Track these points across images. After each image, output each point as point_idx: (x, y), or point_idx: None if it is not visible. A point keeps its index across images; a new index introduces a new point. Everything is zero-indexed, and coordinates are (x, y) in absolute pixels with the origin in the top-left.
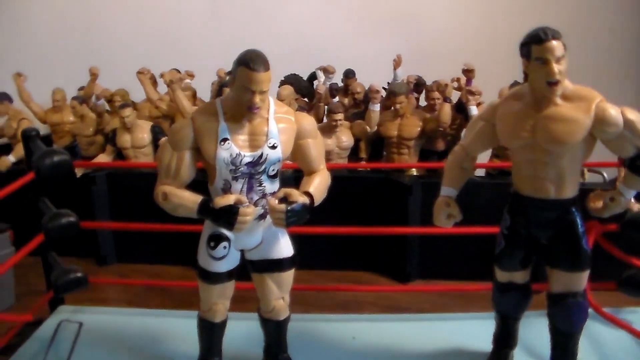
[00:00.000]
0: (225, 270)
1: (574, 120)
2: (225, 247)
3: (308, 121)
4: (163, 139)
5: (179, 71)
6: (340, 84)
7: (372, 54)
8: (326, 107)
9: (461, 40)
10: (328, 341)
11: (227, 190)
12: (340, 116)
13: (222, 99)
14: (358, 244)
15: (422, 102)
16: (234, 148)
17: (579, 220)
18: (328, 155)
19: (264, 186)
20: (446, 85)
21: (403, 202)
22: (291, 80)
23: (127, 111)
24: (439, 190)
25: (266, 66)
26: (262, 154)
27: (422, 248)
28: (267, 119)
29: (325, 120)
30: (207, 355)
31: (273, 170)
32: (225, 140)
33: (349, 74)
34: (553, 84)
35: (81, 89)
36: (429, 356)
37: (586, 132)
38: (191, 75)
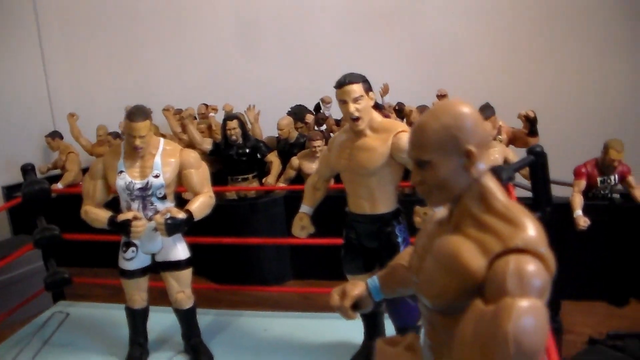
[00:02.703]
0: (135, 268)
1: (374, 149)
2: (133, 251)
3: (191, 155)
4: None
5: (206, 106)
6: None
7: (402, 79)
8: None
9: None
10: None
11: (128, 208)
12: (318, 143)
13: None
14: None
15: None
16: (127, 177)
17: (397, 232)
18: None
19: (155, 205)
20: (411, 111)
21: None
22: (295, 110)
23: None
24: None
25: (144, 117)
26: (148, 182)
27: None
28: (155, 155)
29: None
30: (134, 337)
31: (160, 193)
32: (121, 172)
33: None
34: (354, 119)
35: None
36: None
37: (385, 158)
38: (214, 109)
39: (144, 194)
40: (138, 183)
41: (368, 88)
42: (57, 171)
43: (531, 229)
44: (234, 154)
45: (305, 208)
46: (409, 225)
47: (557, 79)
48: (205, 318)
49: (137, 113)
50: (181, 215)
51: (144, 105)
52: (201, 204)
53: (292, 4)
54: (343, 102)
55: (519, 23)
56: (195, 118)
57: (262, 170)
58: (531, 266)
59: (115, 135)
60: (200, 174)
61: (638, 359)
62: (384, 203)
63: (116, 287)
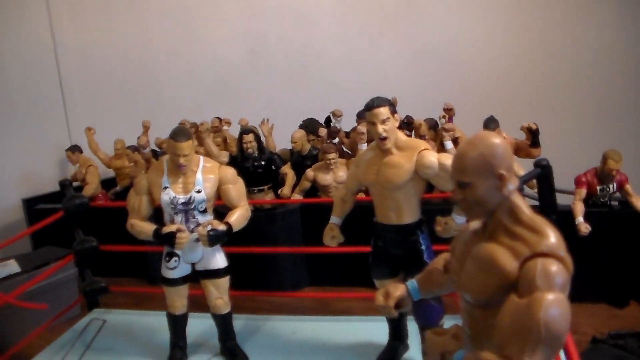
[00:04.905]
0: (177, 276)
1: (401, 166)
2: (175, 261)
3: (229, 172)
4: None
5: (220, 119)
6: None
7: (408, 92)
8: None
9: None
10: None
11: (172, 221)
12: (332, 155)
13: (167, 158)
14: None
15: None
16: (172, 193)
17: (421, 240)
18: (327, 189)
19: (197, 218)
20: (420, 124)
21: None
22: (306, 124)
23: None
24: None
25: (186, 137)
26: (190, 197)
27: None
28: (196, 172)
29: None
30: (174, 340)
31: (201, 207)
32: (166, 188)
33: (360, 115)
34: (382, 139)
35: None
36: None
37: (410, 174)
38: (228, 123)
39: (187, 208)
40: (182, 198)
41: (393, 110)
42: (77, 183)
43: (553, 237)
44: (250, 167)
45: (334, 219)
46: (430, 233)
47: (559, 91)
48: (236, 323)
49: (180, 134)
50: (222, 227)
51: (185, 127)
52: (239, 217)
53: (298, 21)
54: (372, 124)
55: (522, 35)
56: None
57: (277, 181)
58: (554, 267)
59: (134, 149)
60: (237, 188)
61: (638, 356)
62: (409, 214)
63: (139, 296)
